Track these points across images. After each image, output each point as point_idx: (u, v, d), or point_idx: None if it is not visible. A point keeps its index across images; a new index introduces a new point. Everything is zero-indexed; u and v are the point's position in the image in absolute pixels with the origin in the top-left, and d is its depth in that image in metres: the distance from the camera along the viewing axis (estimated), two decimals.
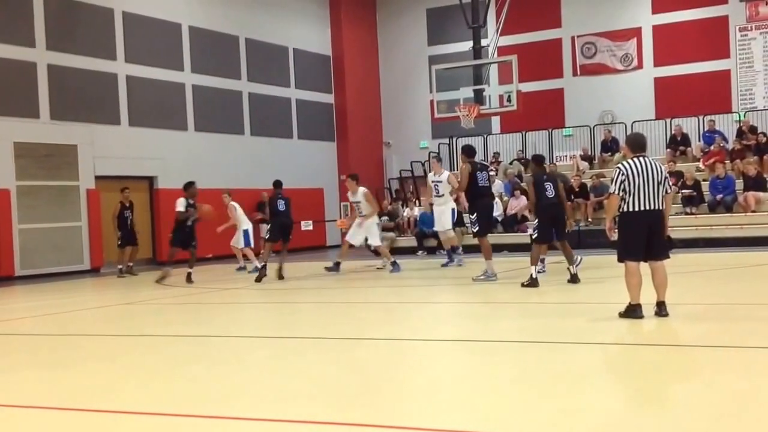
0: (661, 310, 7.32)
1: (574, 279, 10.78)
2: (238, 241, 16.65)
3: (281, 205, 14.16)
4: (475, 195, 11.97)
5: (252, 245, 16.73)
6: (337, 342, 7.26)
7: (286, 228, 14.14)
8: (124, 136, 20.00)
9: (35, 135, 18.10)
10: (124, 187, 17.71)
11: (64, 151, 18.64)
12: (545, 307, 9.19)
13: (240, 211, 16.77)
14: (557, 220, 11.00)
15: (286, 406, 4.75)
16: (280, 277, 13.88)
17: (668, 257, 7.50)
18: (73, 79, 19.02)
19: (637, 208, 7.30)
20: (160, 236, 20.29)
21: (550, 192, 10.98)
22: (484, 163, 14.12)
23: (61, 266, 18.06)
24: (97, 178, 19.03)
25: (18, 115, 17.93)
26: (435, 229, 15.61)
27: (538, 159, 11.76)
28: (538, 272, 10.90)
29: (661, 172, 7.38)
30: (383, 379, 5.53)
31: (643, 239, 7.31)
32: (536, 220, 11.19)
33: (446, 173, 14.70)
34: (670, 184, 7.58)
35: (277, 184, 14.61)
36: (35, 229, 17.92)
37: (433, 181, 14.72)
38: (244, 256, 16.67)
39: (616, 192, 7.33)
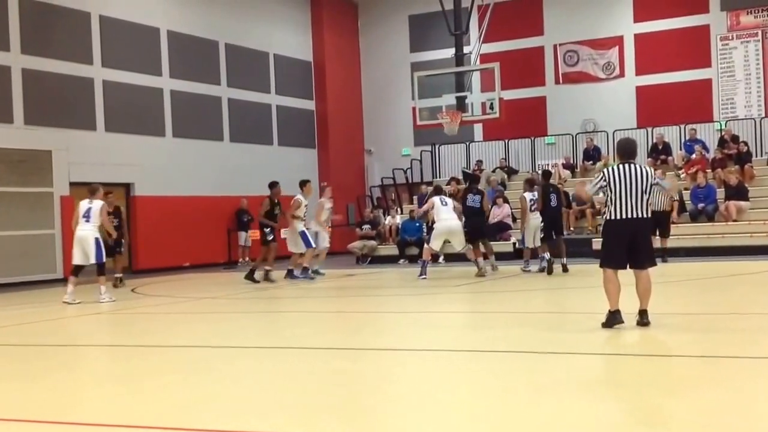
0: (642, 318, 7.21)
1: (564, 268, 13.98)
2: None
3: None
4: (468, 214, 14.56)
5: None
6: (319, 352, 7.03)
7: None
8: (100, 142, 19.64)
9: (8, 140, 17.72)
10: (107, 191, 16.88)
11: (38, 156, 18.27)
12: (530, 316, 9.01)
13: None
14: (556, 224, 14.53)
15: (252, 418, 4.58)
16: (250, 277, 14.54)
17: (653, 265, 7.36)
18: (48, 83, 18.66)
19: (618, 216, 7.19)
20: (137, 244, 19.91)
21: (554, 201, 14.41)
22: (479, 189, 15.30)
23: (32, 275, 17.65)
24: (72, 184, 18.64)
25: None
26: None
27: (547, 174, 15.31)
28: (528, 270, 14.40)
29: (647, 179, 7.23)
30: (360, 391, 5.33)
31: (625, 247, 7.20)
32: (526, 228, 14.50)
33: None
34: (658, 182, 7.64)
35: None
36: (7, 237, 17.53)
37: None
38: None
39: (591, 193, 7.59)
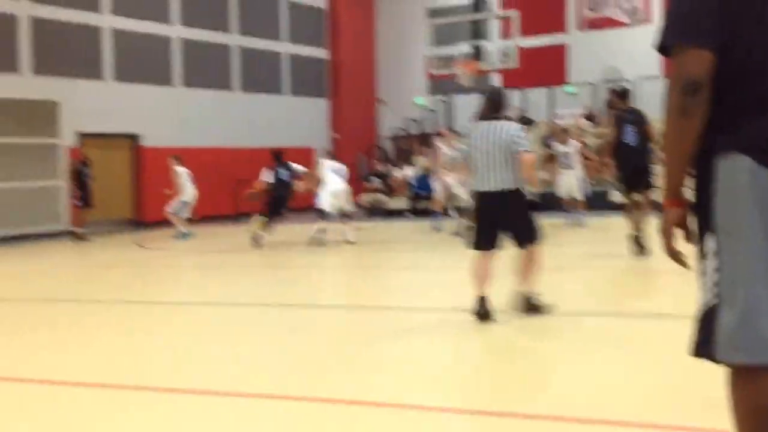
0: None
1: None
2: (170, 206, 15.69)
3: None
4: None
5: (183, 215, 15.74)
6: (310, 310, 6.75)
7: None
8: (107, 92, 19.28)
9: (15, 90, 17.40)
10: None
11: (45, 106, 17.97)
12: None
13: (186, 178, 15.74)
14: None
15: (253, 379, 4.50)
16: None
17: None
18: (55, 32, 18.25)
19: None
20: (142, 196, 19.71)
21: (631, 137, 9.17)
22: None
23: (37, 227, 17.49)
24: (79, 135, 18.36)
25: None
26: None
27: (623, 93, 9.88)
28: None
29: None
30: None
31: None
32: None
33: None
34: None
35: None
36: (11, 189, 17.34)
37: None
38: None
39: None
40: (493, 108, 5.99)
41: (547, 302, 6.12)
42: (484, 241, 6.00)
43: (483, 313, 5.85)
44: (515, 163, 5.82)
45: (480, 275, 5.92)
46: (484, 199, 5.95)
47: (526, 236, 6.00)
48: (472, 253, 6.06)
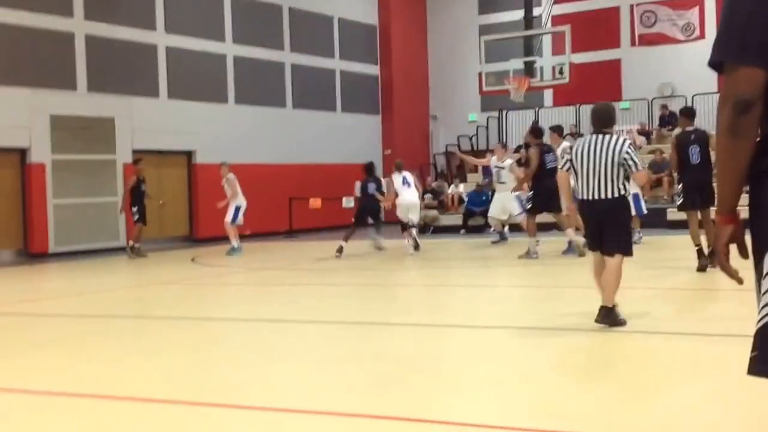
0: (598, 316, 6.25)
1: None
2: (228, 216, 15.49)
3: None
4: (541, 176, 11.76)
5: (241, 223, 15.70)
6: (365, 327, 6.67)
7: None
8: (162, 109, 19.57)
9: (72, 107, 17.76)
10: (137, 158, 16.60)
11: (102, 123, 18.29)
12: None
13: (237, 185, 15.61)
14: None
15: (311, 397, 4.44)
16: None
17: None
18: (111, 50, 18.59)
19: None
20: (197, 213, 19.91)
21: (696, 157, 9.84)
22: (551, 145, 12.79)
23: (96, 243, 17.76)
24: (135, 151, 18.63)
25: (55, 86, 17.60)
26: (495, 215, 14.64)
27: (689, 112, 10.34)
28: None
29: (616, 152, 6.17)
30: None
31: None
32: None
33: (509, 161, 13.93)
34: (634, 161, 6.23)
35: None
36: (70, 205, 17.64)
37: (495, 167, 14.08)
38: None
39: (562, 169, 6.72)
40: (602, 122, 6.36)
41: (624, 316, 6.22)
42: (596, 242, 6.37)
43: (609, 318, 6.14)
44: (621, 175, 6.17)
45: (598, 273, 6.31)
46: (588, 206, 6.32)
47: (618, 246, 6.21)
48: (590, 254, 6.58)
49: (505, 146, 15.34)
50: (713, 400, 4.31)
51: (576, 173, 6.34)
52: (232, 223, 15.46)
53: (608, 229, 6.21)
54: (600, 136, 6.26)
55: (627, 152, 6.14)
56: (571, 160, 6.41)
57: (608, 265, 6.17)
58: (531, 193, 12.20)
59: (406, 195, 14.00)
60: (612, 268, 6.13)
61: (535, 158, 11.91)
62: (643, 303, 7.50)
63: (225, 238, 15.93)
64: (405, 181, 14.15)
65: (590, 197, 6.23)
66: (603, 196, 6.16)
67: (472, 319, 7.33)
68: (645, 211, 13.41)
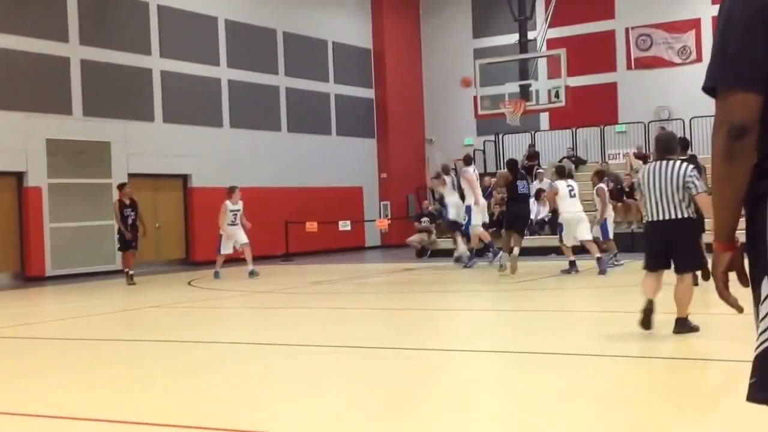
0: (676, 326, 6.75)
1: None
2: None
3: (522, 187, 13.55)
4: (512, 200, 13.44)
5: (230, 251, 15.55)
6: (361, 351, 6.51)
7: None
8: (158, 133, 19.49)
9: (68, 131, 17.70)
10: (122, 183, 15.84)
11: (97, 148, 18.19)
12: (581, 315, 8.30)
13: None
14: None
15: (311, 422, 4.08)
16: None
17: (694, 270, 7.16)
18: (106, 74, 18.55)
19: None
20: (194, 236, 19.77)
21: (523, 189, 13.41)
22: (523, 172, 14.44)
23: (92, 266, 17.59)
24: (130, 175, 18.50)
25: (50, 111, 17.52)
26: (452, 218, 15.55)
27: (512, 164, 13.89)
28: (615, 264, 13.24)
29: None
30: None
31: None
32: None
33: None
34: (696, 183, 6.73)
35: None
36: (67, 228, 17.50)
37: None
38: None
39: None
40: (665, 150, 6.93)
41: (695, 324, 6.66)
42: (653, 263, 6.82)
43: (646, 313, 6.60)
44: (686, 198, 6.63)
45: (649, 289, 6.74)
46: (656, 228, 6.72)
47: (690, 264, 6.76)
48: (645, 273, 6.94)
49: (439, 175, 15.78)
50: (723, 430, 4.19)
51: (645, 197, 6.84)
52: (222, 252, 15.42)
53: (678, 249, 6.63)
54: (664, 162, 6.77)
55: (690, 175, 6.62)
56: (639, 185, 7.03)
57: (682, 281, 6.64)
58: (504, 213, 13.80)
59: (450, 196, 15.01)
60: (686, 284, 6.63)
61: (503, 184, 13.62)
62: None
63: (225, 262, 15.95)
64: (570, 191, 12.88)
65: (659, 218, 6.64)
66: (671, 216, 6.60)
67: (471, 343, 7.20)
68: (611, 236, 13.67)
